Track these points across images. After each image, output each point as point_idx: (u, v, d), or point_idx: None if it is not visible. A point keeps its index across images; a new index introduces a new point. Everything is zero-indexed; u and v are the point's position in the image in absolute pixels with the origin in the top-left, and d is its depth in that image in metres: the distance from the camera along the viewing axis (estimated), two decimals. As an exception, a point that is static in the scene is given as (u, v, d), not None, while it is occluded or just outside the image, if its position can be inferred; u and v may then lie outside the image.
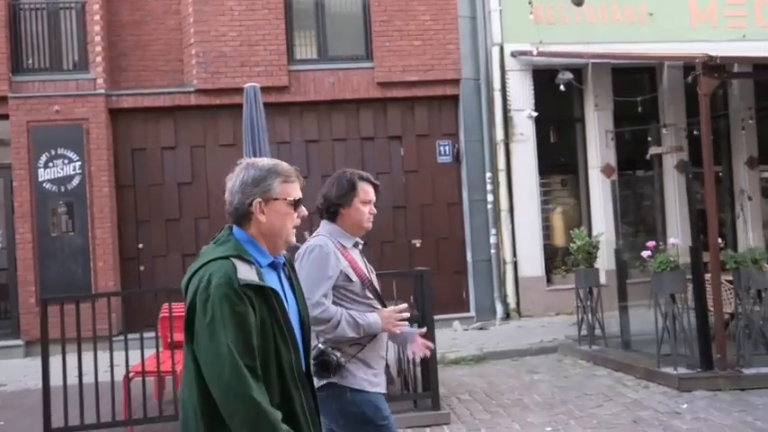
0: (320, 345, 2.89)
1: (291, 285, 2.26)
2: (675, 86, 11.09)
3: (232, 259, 2.05)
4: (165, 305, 5.82)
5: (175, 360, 5.40)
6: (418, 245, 10.48)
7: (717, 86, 6.81)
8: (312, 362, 2.55)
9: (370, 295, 3.05)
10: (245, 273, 2.04)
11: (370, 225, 3.14)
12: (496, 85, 10.54)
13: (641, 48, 10.45)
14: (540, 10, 10.72)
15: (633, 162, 11.63)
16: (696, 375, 6.20)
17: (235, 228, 2.18)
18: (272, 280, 2.15)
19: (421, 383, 5.82)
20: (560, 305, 10.19)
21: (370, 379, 3.00)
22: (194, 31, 9.98)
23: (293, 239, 2.25)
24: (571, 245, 8.03)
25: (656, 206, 11.53)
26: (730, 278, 6.59)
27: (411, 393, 5.81)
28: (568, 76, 10.62)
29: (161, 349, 5.78)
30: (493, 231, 10.44)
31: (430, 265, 10.40)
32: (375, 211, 3.16)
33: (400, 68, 10.26)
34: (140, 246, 10.04)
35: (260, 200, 2.14)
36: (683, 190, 11.11)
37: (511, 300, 10.43)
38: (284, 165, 2.24)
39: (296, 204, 2.20)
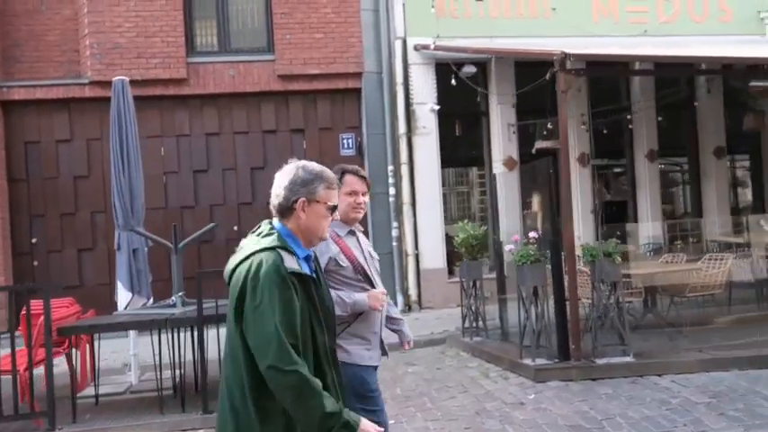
0: None
1: (319, 277, 2.48)
2: (578, 82, 11.29)
3: (278, 250, 2.28)
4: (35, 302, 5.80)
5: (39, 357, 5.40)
6: (321, 238, 10.49)
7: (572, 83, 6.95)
8: None
9: (361, 278, 3.32)
10: (290, 262, 2.27)
11: (359, 215, 3.40)
12: (399, 78, 10.62)
13: (543, 42, 10.60)
14: (444, 3, 10.84)
15: (538, 155, 11.81)
16: (551, 366, 6.39)
17: (275, 222, 2.42)
18: (307, 270, 2.37)
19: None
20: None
21: (361, 353, 3.26)
22: (88, 21, 9.82)
23: (327, 236, 2.52)
24: (455, 238, 8.16)
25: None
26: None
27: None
28: (471, 69, 10.79)
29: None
30: (395, 224, 10.55)
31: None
32: (363, 201, 3.38)
33: (301, 61, 10.26)
34: (34, 240, 9.89)
35: (304, 199, 2.38)
36: (583, 183, 11.38)
37: (412, 292, 10.57)
38: (330, 173, 2.47)
39: (333, 209, 2.45)
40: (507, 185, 11.00)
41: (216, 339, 4.76)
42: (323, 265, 3.09)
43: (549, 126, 10.32)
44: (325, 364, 2.34)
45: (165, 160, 10.30)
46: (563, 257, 6.58)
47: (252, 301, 2.20)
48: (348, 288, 3.26)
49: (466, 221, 8.26)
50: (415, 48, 10.67)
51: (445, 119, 11.04)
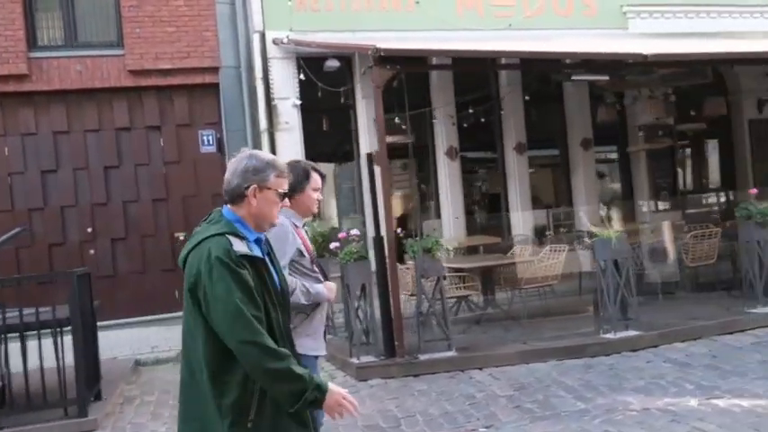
0: None
1: (271, 259, 2.61)
2: (444, 75, 11.38)
3: (227, 235, 2.41)
4: None
5: None
6: (182, 238, 10.22)
7: (390, 78, 6.96)
8: None
9: (316, 269, 3.55)
10: (239, 246, 2.40)
11: (316, 209, 3.67)
12: (258, 73, 10.40)
13: (407, 36, 10.61)
14: (304, -4, 10.65)
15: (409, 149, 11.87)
16: (373, 364, 6.40)
17: (225, 209, 2.55)
18: (258, 252, 2.50)
19: (75, 389, 5.62)
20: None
21: (310, 344, 3.42)
22: None
23: (277, 221, 2.66)
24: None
25: (431, 193, 11.84)
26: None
27: (61, 400, 5.60)
28: (334, 64, 10.67)
29: None
30: (258, 222, 10.34)
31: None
32: (321, 198, 3.66)
33: (153, 56, 9.93)
34: None
35: (256, 186, 2.52)
36: (452, 176, 11.47)
37: (276, 291, 10.40)
38: (281, 162, 2.64)
39: (283, 196, 2.60)
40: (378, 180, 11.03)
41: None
42: (289, 256, 3.37)
43: (396, 120, 10.32)
44: (281, 341, 2.43)
45: (9, 160, 9.80)
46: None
47: (209, 287, 2.32)
48: (306, 278, 3.45)
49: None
50: (274, 42, 10.47)
51: (312, 114, 10.90)
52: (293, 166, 3.45)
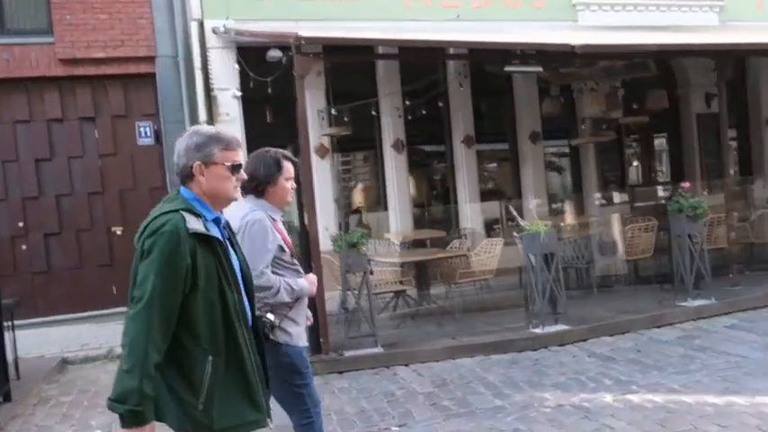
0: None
1: (232, 243, 2.55)
2: (390, 66, 11.25)
3: (182, 212, 2.35)
4: None
5: None
6: (119, 232, 10.00)
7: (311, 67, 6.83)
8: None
9: (296, 262, 3.52)
10: (194, 223, 2.34)
11: (291, 199, 3.57)
12: (197, 62, 10.14)
13: (352, 26, 10.46)
14: (245, -16, 10.40)
15: (357, 141, 11.75)
16: (295, 362, 6.21)
17: (182, 188, 2.49)
18: (215, 232, 2.44)
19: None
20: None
21: (299, 334, 3.49)
22: None
23: (235, 197, 2.55)
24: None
25: (377, 186, 11.74)
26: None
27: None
28: (277, 54, 10.44)
29: None
30: (197, 216, 10.12)
31: (133, 251, 10.08)
32: (295, 186, 3.55)
33: (85, 44, 9.64)
34: None
35: (200, 163, 2.44)
36: (399, 169, 11.36)
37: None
38: (225, 134, 2.54)
39: (234, 169, 2.48)
40: (320, 174, 10.87)
41: None
42: (272, 253, 3.33)
43: (333, 113, 10.19)
44: (235, 321, 2.40)
45: (-67, 153, 9.44)
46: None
47: (143, 257, 2.31)
48: (287, 273, 3.42)
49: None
50: (213, 31, 10.22)
51: (256, 105, 10.70)
52: (263, 156, 3.40)
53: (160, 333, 2.26)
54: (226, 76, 10.34)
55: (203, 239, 2.35)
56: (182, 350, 2.32)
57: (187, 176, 2.47)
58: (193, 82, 10.23)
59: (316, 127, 10.91)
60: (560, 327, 6.69)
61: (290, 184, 3.44)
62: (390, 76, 11.40)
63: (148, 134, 10.20)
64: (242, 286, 2.52)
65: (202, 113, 10.20)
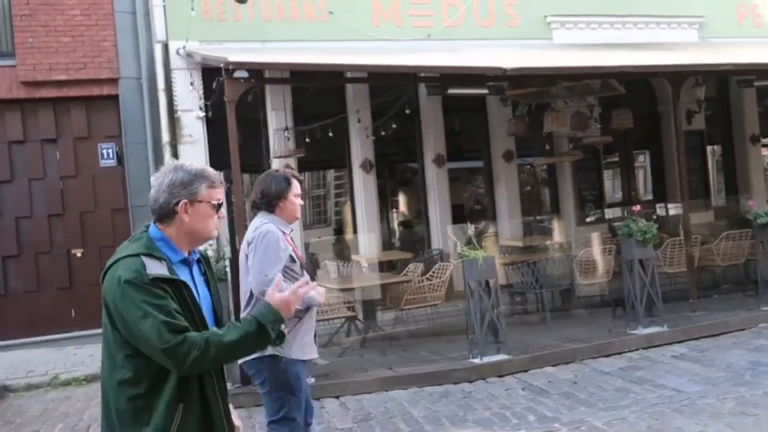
0: None
1: (206, 280, 2.44)
2: (359, 87, 11.15)
3: (141, 257, 2.25)
4: None
5: None
6: (79, 254, 9.90)
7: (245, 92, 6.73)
8: None
9: (306, 274, 3.63)
10: (154, 268, 2.23)
11: (299, 215, 3.81)
12: (161, 84, 10.09)
13: (321, 46, 10.39)
14: (210, 6, 10.37)
15: (325, 161, 11.65)
16: (223, 393, 6.03)
17: (151, 226, 2.38)
18: (183, 274, 2.33)
19: None
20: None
21: (303, 348, 3.59)
22: None
23: (214, 235, 2.47)
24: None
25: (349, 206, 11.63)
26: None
27: None
28: (243, 74, 10.36)
29: None
30: (159, 238, 10.01)
31: (94, 274, 9.95)
32: (302, 202, 3.79)
33: (47, 67, 9.62)
34: None
35: (186, 201, 2.33)
36: (368, 189, 11.21)
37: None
38: (211, 170, 2.45)
39: (218, 207, 2.41)
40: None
41: None
42: (282, 263, 3.49)
43: (285, 134, 10.06)
44: (204, 371, 2.29)
45: None
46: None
47: (124, 311, 2.19)
48: (296, 282, 3.35)
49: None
50: (178, 52, 10.17)
51: (222, 126, 10.61)
52: (273, 174, 3.71)
53: (182, 333, 2.20)
54: (189, 97, 10.28)
55: (167, 283, 2.24)
56: (154, 395, 2.22)
57: (166, 214, 2.34)
58: (157, 103, 10.18)
59: (281, 148, 10.85)
60: (501, 356, 6.48)
61: (299, 201, 3.70)
62: (358, 96, 11.29)
63: (111, 156, 10.14)
64: (212, 326, 2.38)
65: (165, 135, 10.14)
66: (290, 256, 3.60)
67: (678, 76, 8.54)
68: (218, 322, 2.43)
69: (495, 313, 6.46)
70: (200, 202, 2.34)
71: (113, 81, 10.02)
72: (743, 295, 8.48)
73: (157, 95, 10.19)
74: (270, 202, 3.63)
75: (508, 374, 6.31)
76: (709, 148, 14.56)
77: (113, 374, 2.25)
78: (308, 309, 3.62)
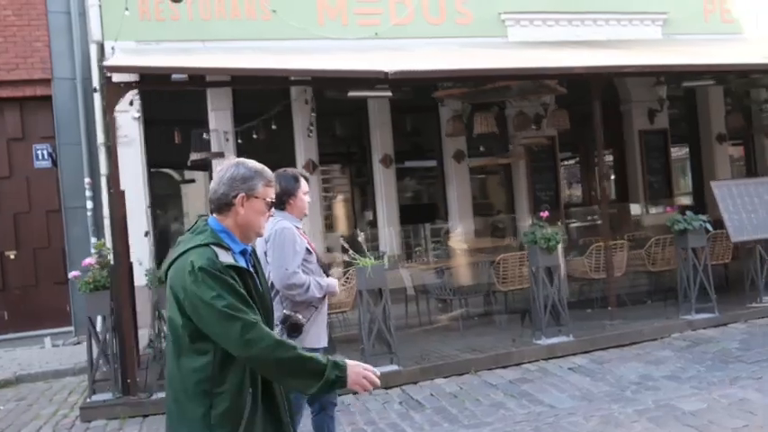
0: (284, 311, 3.44)
1: (257, 271, 2.55)
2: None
3: (212, 246, 2.37)
4: None
5: None
6: (12, 256, 9.84)
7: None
8: (280, 325, 3.19)
9: (320, 266, 3.93)
10: (224, 257, 2.36)
11: (308, 212, 4.00)
12: (96, 85, 9.95)
13: (264, 46, 10.22)
14: (148, 5, 10.23)
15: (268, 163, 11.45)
16: (98, 404, 5.93)
17: (210, 219, 2.50)
18: (243, 264, 2.46)
19: None
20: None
21: (319, 336, 3.75)
22: None
23: (264, 232, 2.64)
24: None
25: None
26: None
27: None
28: (182, 75, 10.23)
29: None
30: (93, 240, 9.91)
31: (28, 276, 9.90)
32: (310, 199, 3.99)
33: (-22, 68, 9.50)
34: None
35: (244, 195, 2.47)
36: (312, 189, 11.00)
37: (114, 311, 9.99)
38: (269, 171, 2.58)
39: (270, 205, 2.55)
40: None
41: None
42: (300, 256, 3.68)
43: (204, 136, 9.90)
44: None
45: None
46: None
47: (197, 297, 2.28)
48: (313, 274, 3.79)
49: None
50: (112, 52, 10.04)
51: (161, 127, 10.52)
52: (282, 173, 3.80)
53: (261, 329, 2.30)
54: (126, 97, 10.15)
55: (235, 271, 2.37)
56: (224, 382, 2.31)
57: (225, 205, 2.47)
58: (92, 104, 10.07)
59: (222, 149, 10.70)
60: (391, 368, 6.27)
61: (307, 198, 3.87)
62: (301, 95, 11.10)
63: (45, 157, 10.05)
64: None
65: (100, 136, 10.04)
66: (306, 249, 3.79)
67: (598, 77, 8.22)
68: (270, 310, 2.57)
69: (385, 324, 6.25)
70: (256, 197, 2.48)
71: (47, 81, 9.92)
72: (664, 304, 8.17)
73: (92, 96, 10.09)
74: (281, 199, 3.73)
75: (395, 386, 6.10)
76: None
77: (180, 361, 2.34)
78: (324, 297, 3.79)
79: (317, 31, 10.91)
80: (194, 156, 9.94)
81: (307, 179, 3.96)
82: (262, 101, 11.06)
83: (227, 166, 2.55)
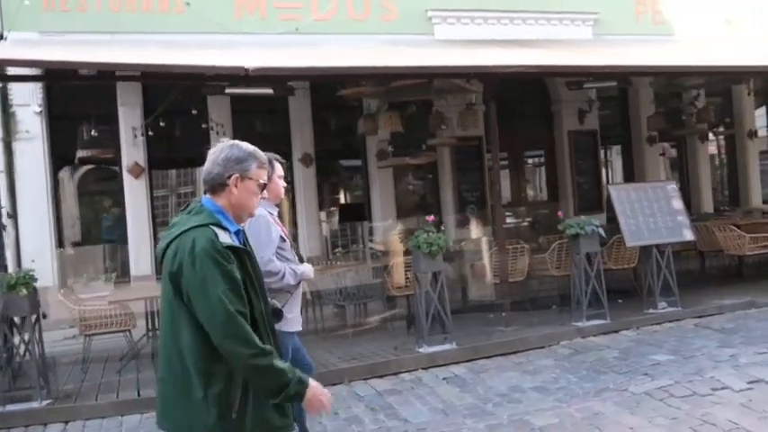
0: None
1: (248, 249, 2.58)
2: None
3: (211, 227, 2.40)
4: None
5: None
6: None
7: None
8: None
9: (294, 253, 3.95)
10: (224, 237, 2.41)
11: (283, 195, 4.00)
12: (-8, 76, 9.53)
13: (179, 40, 9.85)
14: (53, -6, 9.80)
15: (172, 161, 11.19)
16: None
17: (205, 199, 2.53)
18: (239, 243, 2.50)
19: None
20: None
21: (290, 322, 3.71)
22: None
23: (255, 212, 2.69)
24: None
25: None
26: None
27: None
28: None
29: None
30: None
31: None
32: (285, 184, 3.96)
33: None
34: None
35: (238, 175, 2.51)
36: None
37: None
38: (261, 153, 2.62)
39: (263, 187, 2.60)
40: (133, 195, 10.29)
41: None
42: (275, 244, 3.71)
43: (93, 133, 9.55)
44: (263, 332, 2.46)
45: None
46: None
47: (193, 278, 2.32)
48: (287, 262, 3.80)
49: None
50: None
51: (69, 121, 10.13)
52: None
53: (245, 328, 2.34)
54: (27, 91, 9.77)
55: (233, 251, 2.42)
56: (218, 361, 2.34)
57: (219, 185, 2.51)
58: (-12, 97, 9.66)
59: (131, 145, 10.35)
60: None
61: (282, 182, 3.85)
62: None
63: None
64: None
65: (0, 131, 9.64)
66: (281, 237, 3.78)
67: (490, 77, 7.99)
68: (263, 287, 2.59)
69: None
70: (249, 178, 2.53)
71: (-59, 73, 9.44)
72: (560, 310, 8.00)
73: (-12, 89, 9.67)
74: None
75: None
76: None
77: (175, 342, 2.38)
78: (298, 284, 3.81)
79: (234, 25, 10.56)
80: (81, 153, 9.56)
81: (282, 164, 3.92)
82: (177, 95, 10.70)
83: (221, 147, 2.58)
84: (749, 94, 13.56)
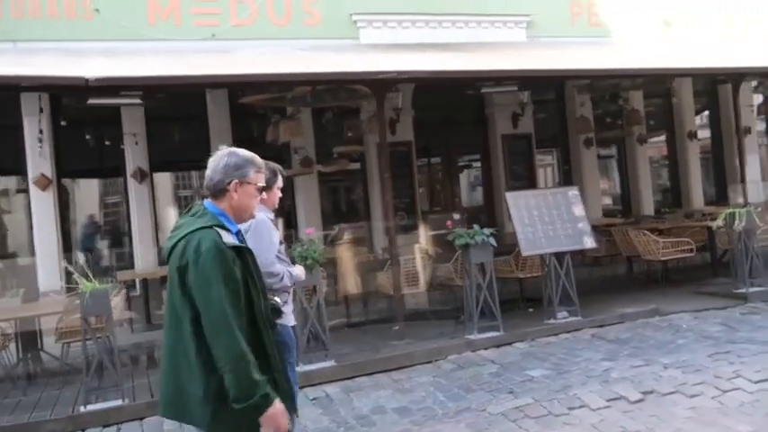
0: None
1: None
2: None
3: (215, 228, 2.62)
4: None
5: None
6: None
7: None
8: None
9: (287, 255, 4.20)
10: (227, 237, 2.63)
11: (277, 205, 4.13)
12: None
13: (87, 47, 9.53)
14: (-55, 0, 9.43)
15: (98, 172, 10.84)
16: None
17: (207, 203, 2.76)
18: (239, 243, 2.71)
19: None
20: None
21: (289, 315, 3.95)
22: None
23: (255, 214, 2.94)
24: None
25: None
26: None
27: None
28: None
29: None
30: None
31: None
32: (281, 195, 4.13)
33: None
34: None
35: (237, 181, 2.75)
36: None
37: None
38: (258, 158, 2.86)
39: (261, 190, 2.86)
40: (41, 207, 9.95)
41: None
42: (276, 246, 3.90)
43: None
44: (262, 328, 2.62)
45: None
46: None
47: (195, 275, 2.51)
48: (282, 264, 3.95)
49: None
50: None
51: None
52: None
53: (239, 330, 2.49)
54: None
55: (236, 251, 2.60)
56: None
57: (220, 191, 2.73)
58: None
59: (36, 156, 10.01)
60: (112, 403, 5.67)
61: (279, 193, 4.00)
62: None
63: None
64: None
65: None
66: (280, 241, 3.97)
67: (378, 83, 7.73)
68: (263, 284, 2.78)
69: (108, 357, 5.65)
70: (248, 183, 2.75)
71: None
72: (455, 321, 7.73)
73: None
74: None
75: (116, 423, 5.52)
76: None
77: (178, 333, 2.55)
78: (293, 284, 4.02)
79: (147, 32, 10.23)
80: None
81: (284, 176, 4.08)
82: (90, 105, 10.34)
83: (221, 155, 2.77)
84: (673, 96, 13.39)
